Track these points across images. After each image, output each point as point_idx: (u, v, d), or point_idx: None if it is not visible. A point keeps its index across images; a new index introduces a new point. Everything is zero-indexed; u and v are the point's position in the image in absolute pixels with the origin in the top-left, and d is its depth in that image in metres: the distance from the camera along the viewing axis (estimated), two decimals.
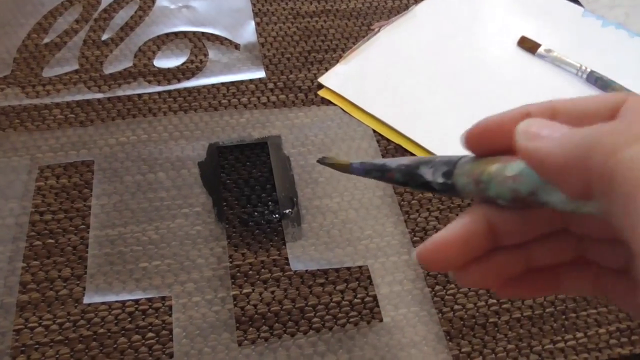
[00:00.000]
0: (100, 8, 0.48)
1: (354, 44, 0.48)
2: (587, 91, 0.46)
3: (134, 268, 0.34)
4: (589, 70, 0.46)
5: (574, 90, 0.46)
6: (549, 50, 0.48)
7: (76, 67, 0.44)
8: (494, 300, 0.34)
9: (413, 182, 0.21)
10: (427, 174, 0.20)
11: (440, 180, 0.20)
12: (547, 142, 0.16)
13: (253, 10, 0.49)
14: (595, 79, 0.46)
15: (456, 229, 0.19)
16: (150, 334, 0.32)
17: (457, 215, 0.38)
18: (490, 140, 0.19)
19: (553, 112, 0.18)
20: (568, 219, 0.20)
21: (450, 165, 0.19)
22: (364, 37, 0.49)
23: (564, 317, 0.35)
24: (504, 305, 0.34)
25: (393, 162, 0.22)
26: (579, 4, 0.54)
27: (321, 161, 0.28)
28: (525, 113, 0.19)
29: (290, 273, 0.34)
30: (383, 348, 0.32)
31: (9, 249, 0.34)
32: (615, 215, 0.14)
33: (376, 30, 0.49)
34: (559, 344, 0.33)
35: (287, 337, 0.32)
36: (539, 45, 0.48)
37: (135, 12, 0.48)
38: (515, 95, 0.45)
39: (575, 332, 0.34)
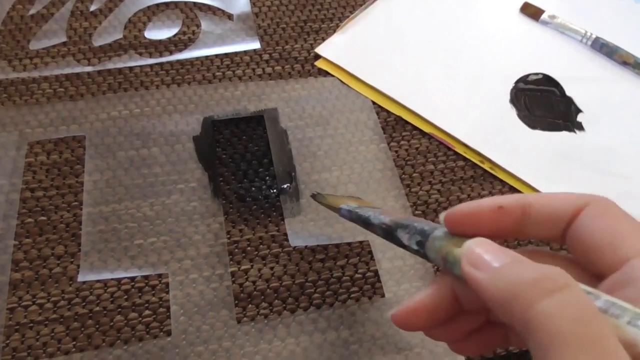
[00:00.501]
0: None
1: (351, 12, 0.47)
2: (592, 58, 0.45)
3: (129, 245, 0.33)
4: (594, 36, 0.45)
5: (578, 57, 0.45)
6: (552, 17, 0.47)
7: (64, 39, 0.42)
8: None
9: (392, 241, 0.24)
10: (404, 238, 0.23)
11: (415, 247, 0.22)
12: (483, 275, 0.18)
13: None
14: (601, 46, 0.45)
15: (424, 298, 0.22)
16: (147, 312, 0.31)
17: (459, 188, 0.37)
18: (464, 225, 0.21)
19: (524, 207, 0.21)
20: None
21: (424, 236, 0.22)
22: (361, 5, 0.47)
23: None
24: None
25: (376, 218, 0.25)
26: None
27: (314, 197, 0.33)
28: (498, 206, 0.21)
29: (289, 249, 0.34)
30: (385, 324, 0.31)
31: (0, 227, 0.33)
32: (528, 344, 0.17)
33: None
34: None
35: (287, 313, 0.31)
36: (542, 11, 0.47)
37: None
38: (518, 63, 0.44)
39: None
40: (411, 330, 0.23)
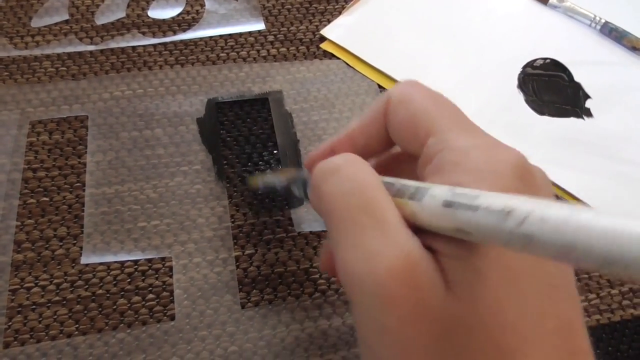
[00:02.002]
0: None
1: None
2: (601, 43, 0.45)
3: (132, 227, 0.33)
4: (603, 21, 0.45)
5: (587, 42, 0.44)
6: (561, 0, 0.46)
7: (66, 17, 0.41)
8: None
9: (292, 196, 0.29)
10: (296, 191, 0.27)
11: (305, 193, 0.25)
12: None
13: None
14: (610, 30, 0.44)
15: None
16: (150, 295, 0.31)
17: None
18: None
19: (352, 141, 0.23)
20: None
21: (304, 184, 0.25)
22: None
23: (576, 278, 0.34)
24: None
25: (278, 183, 0.29)
26: None
27: (243, 182, 0.35)
28: (330, 149, 0.23)
29: (294, 234, 0.33)
30: None
31: (1, 207, 0.33)
32: (327, 230, 0.20)
33: None
34: None
35: (291, 299, 0.31)
36: None
37: None
38: (525, 48, 0.43)
39: (587, 293, 0.33)
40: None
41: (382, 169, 0.21)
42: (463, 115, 0.21)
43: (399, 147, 0.23)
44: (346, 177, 0.19)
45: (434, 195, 0.17)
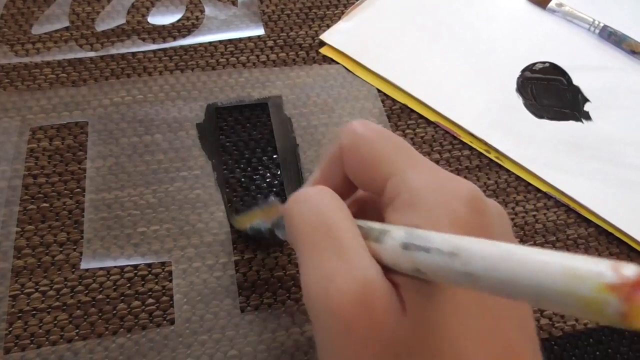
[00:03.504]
0: None
1: None
2: (599, 46, 0.45)
3: (132, 233, 0.33)
4: (602, 25, 0.45)
5: (586, 46, 0.45)
6: (560, 4, 0.46)
7: (67, 24, 0.42)
8: None
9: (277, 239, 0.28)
10: (280, 234, 0.26)
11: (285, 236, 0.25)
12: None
13: None
14: (609, 34, 0.44)
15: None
16: (150, 300, 0.31)
17: (464, 177, 0.37)
18: None
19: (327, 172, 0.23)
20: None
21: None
22: None
23: None
24: None
25: (264, 227, 0.29)
26: None
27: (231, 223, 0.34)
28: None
29: None
30: None
31: (2, 213, 0.33)
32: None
33: None
34: None
35: (291, 302, 0.31)
36: None
37: None
38: (524, 52, 0.44)
39: None
40: None
41: (352, 212, 0.22)
42: (412, 150, 0.21)
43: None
44: (313, 204, 0.20)
45: (393, 237, 0.18)
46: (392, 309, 0.17)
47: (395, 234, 0.18)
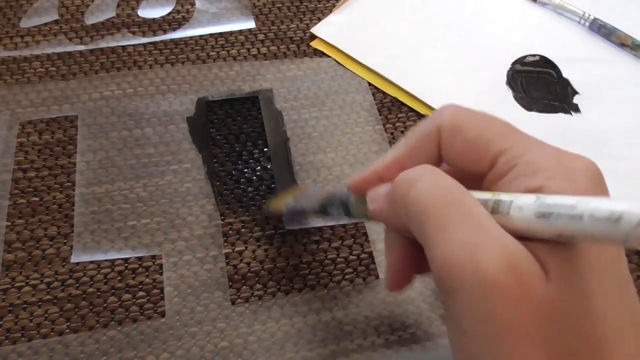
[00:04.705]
0: None
1: None
2: (589, 39, 0.45)
3: (123, 226, 0.33)
4: (592, 17, 0.45)
5: (576, 39, 0.45)
6: None
7: (56, 17, 0.41)
8: None
9: (326, 217, 0.28)
10: (334, 212, 0.27)
11: (345, 217, 0.27)
12: (376, 204, 0.23)
13: None
14: (599, 27, 0.45)
15: (393, 260, 0.25)
16: (141, 293, 0.31)
17: None
18: (364, 189, 0.25)
19: (402, 160, 0.24)
20: None
21: (345, 206, 0.26)
22: None
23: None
24: None
25: (309, 207, 0.29)
26: None
27: (261, 210, 0.34)
28: (379, 176, 0.24)
29: (284, 231, 0.33)
30: (379, 305, 0.31)
31: None
32: (415, 232, 0.20)
33: None
34: None
35: (281, 295, 0.31)
36: None
37: None
38: (515, 45, 0.44)
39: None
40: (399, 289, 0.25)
41: None
42: (518, 129, 0.22)
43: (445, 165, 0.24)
44: (433, 181, 0.20)
45: (521, 207, 0.18)
46: (538, 275, 0.18)
47: (522, 202, 0.18)
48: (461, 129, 0.22)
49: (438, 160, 0.23)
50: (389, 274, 0.25)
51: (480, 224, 0.18)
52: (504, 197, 0.19)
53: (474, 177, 0.22)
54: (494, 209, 0.19)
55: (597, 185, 0.19)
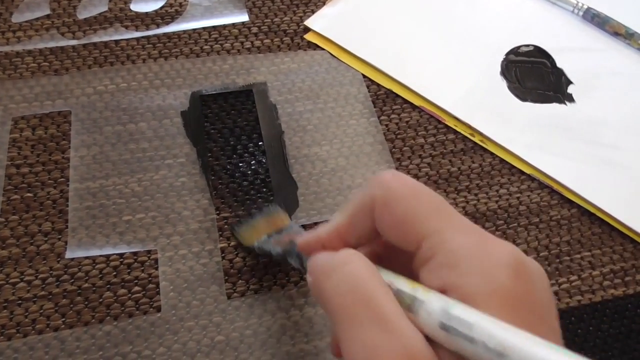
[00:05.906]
0: None
1: None
2: (583, 29, 0.45)
3: (117, 221, 0.33)
4: (585, 7, 0.45)
5: (570, 28, 0.45)
6: None
7: (48, 11, 0.41)
8: None
9: (288, 264, 0.27)
10: (292, 263, 0.26)
11: (301, 267, 0.25)
12: (311, 277, 0.21)
13: None
14: (592, 16, 0.45)
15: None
16: (136, 288, 0.31)
17: (449, 161, 0.37)
18: (313, 249, 0.23)
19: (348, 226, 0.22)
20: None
21: (301, 259, 0.25)
22: None
23: (557, 260, 0.34)
24: None
25: (274, 251, 0.28)
26: None
27: (231, 228, 0.33)
28: (322, 244, 0.23)
29: None
30: None
31: None
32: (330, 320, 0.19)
33: None
34: (553, 287, 0.33)
35: (277, 288, 0.31)
36: None
37: None
38: (509, 35, 0.44)
39: (569, 275, 0.34)
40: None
41: (375, 257, 0.22)
42: (450, 208, 0.21)
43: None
44: (347, 274, 0.19)
45: (430, 313, 0.18)
46: None
47: (432, 307, 0.18)
48: (390, 204, 0.21)
49: (376, 232, 0.22)
50: (332, 341, 0.24)
51: (386, 324, 0.18)
52: (420, 294, 0.18)
53: (407, 253, 0.21)
54: (410, 307, 0.18)
55: (516, 279, 0.18)
